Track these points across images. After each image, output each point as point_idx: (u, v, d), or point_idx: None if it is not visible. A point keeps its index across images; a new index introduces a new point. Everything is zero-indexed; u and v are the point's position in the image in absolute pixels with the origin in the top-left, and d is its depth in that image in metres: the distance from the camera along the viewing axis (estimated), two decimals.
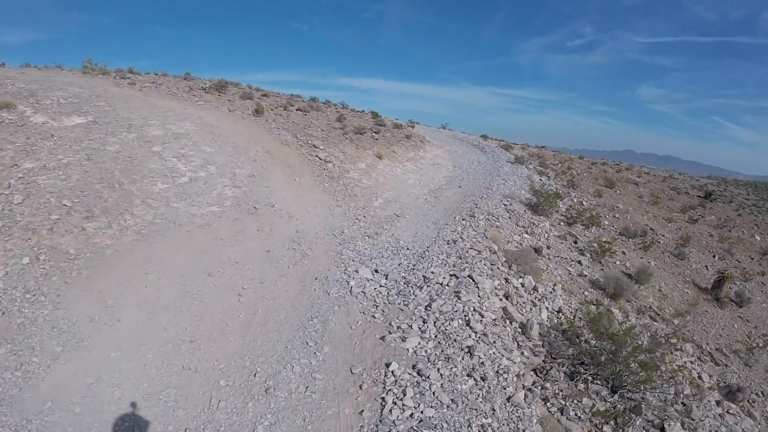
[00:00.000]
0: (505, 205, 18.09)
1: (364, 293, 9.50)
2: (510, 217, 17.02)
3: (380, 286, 9.89)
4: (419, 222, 14.97)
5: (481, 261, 11.63)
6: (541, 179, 26.14)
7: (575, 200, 25.17)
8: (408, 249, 12.36)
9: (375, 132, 25.53)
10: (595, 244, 17.45)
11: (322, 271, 10.42)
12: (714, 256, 24.48)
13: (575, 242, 17.98)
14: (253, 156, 15.75)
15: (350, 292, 9.54)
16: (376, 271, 10.65)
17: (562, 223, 19.51)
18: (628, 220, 25.79)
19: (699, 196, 40.65)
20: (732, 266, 24.04)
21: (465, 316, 8.72)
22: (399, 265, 11.22)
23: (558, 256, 16.21)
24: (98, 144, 12.78)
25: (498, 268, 11.96)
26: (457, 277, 10.23)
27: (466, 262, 11.31)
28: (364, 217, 14.45)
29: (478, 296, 9.33)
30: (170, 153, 13.70)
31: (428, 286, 9.78)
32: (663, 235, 25.47)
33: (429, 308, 8.91)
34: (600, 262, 17.25)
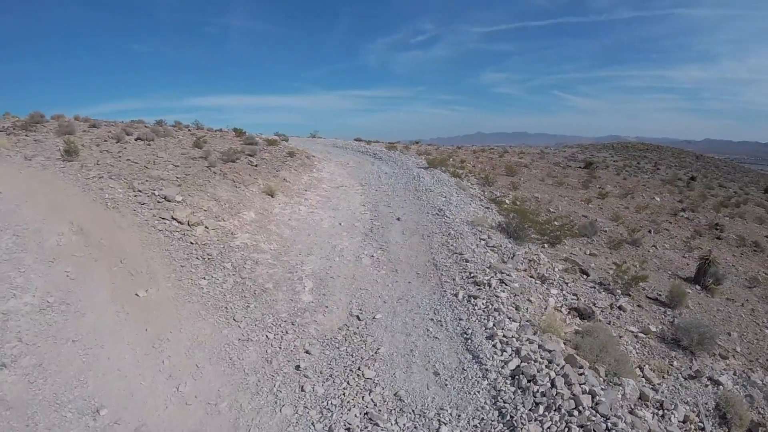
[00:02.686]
0: (483, 240, 11.26)
1: None
2: (505, 262, 10.35)
3: None
4: (408, 326, 7.47)
5: None
6: (457, 182, 19.92)
7: (509, 203, 19.33)
8: None
9: (250, 155, 17.59)
10: (619, 272, 11.44)
11: None
12: (650, 231, 20.42)
13: (585, 274, 11.84)
14: (52, 249, 7.39)
15: None
16: None
17: (546, 245, 13.29)
18: (559, 211, 20.68)
19: (580, 167, 38.05)
20: (666, 237, 20.32)
21: None
22: None
23: (597, 307, 9.92)
24: None
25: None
26: None
27: None
28: (308, 353, 6.71)
29: None
30: None
31: None
32: (597, 220, 20.78)
33: None
34: (630, 295, 11.30)
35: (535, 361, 6.04)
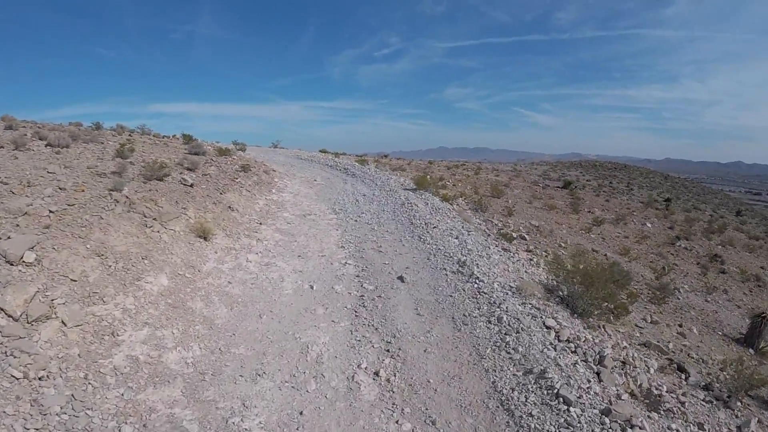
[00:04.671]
0: (551, 329, 6.48)
1: None
2: (601, 377, 5.73)
3: None
4: None
5: None
6: (459, 211, 15.36)
7: (516, 235, 14.90)
8: None
9: (189, 170, 12.55)
10: (736, 374, 7.14)
11: None
12: (664, 269, 16.79)
13: (684, 372, 7.50)
14: None
15: None
16: None
17: (612, 318, 8.79)
18: (567, 244, 16.56)
19: (559, 187, 34.43)
20: (681, 275, 17.00)
21: None
22: None
23: None
24: None
25: None
26: None
27: None
28: None
29: None
30: None
31: None
32: (605, 255, 16.89)
33: None
34: (741, 401, 7.00)
35: None
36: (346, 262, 8.87)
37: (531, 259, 12.02)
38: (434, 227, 10.95)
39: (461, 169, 35.28)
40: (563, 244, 16.17)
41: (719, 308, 14.22)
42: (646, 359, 7.59)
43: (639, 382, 6.33)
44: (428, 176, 22.05)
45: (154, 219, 7.91)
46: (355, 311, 6.83)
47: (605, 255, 16.85)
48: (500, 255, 10.10)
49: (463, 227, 11.72)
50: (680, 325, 11.58)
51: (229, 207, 10.45)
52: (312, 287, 7.58)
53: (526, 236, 15.29)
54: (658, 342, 9.38)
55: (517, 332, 6.18)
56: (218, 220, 9.30)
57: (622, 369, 6.53)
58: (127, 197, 8.40)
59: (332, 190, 16.06)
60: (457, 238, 10.30)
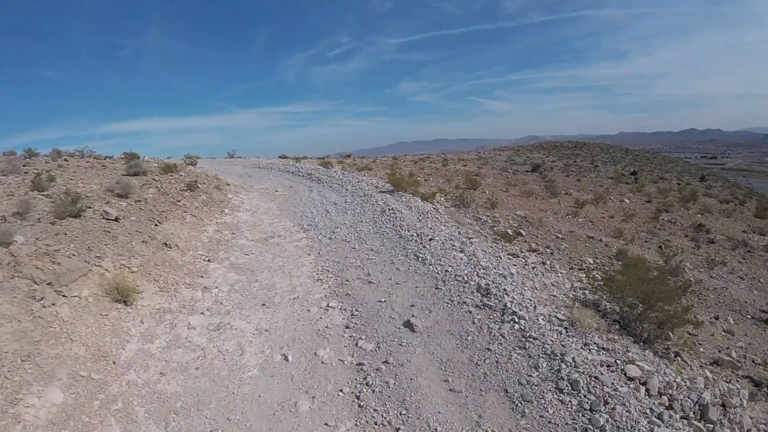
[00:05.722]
0: (634, 378, 4.29)
1: None
2: None
3: None
4: None
5: None
6: (434, 210, 13.12)
7: (512, 233, 12.85)
8: None
9: (121, 196, 9.89)
10: None
11: None
12: (661, 247, 15.49)
13: None
14: None
15: None
16: None
17: (672, 333, 6.79)
18: (563, 234, 14.75)
19: (528, 172, 32.85)
20: (678, 252, 15.36)
21: None
22: None
23: None
24: None
25: None
26: None
27: None
28: None
29: None
30: None
31: None
32: (600, 240, 15.20)
33: None
34: None
35: None
36: (327, 305, 6.51)
37: (544, 263, 10.00)
38: (430, 239, 8.65)
39: (428, 162, 33.13)
40: (559, 235, 14.33)
41: (727, 284, 13.04)
42: (729, 385, 5.66)
43: (746, 429, 4.41)
44: (397, 173, 19.84)
45: (49, 284, 5.32)
46: (358, 398, 4.44)
47: (601, 240, 15.17)
48: (515, 266, 7.96)
49: (460, 233, 9.51)
50: (716, 317, 10.04)
51: (166, 243, 7.86)
52: (286, 358, 5.17)
53: (522, 232, 13.32)
54: (721, 353, 7.60)
55: (606, 402, 3.99)
56: (148, 266, 6.74)
57: (725, 415, 4.57)
58: (12, 255, 5.78)
59: (297, 202, 13.56)
60: (462, 251, 8.02)
